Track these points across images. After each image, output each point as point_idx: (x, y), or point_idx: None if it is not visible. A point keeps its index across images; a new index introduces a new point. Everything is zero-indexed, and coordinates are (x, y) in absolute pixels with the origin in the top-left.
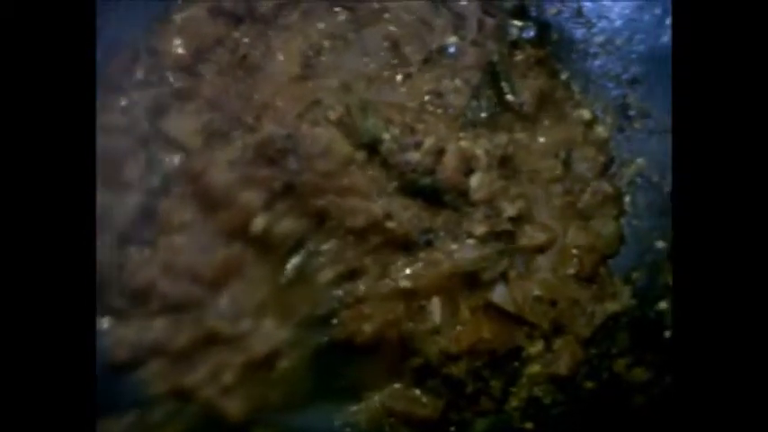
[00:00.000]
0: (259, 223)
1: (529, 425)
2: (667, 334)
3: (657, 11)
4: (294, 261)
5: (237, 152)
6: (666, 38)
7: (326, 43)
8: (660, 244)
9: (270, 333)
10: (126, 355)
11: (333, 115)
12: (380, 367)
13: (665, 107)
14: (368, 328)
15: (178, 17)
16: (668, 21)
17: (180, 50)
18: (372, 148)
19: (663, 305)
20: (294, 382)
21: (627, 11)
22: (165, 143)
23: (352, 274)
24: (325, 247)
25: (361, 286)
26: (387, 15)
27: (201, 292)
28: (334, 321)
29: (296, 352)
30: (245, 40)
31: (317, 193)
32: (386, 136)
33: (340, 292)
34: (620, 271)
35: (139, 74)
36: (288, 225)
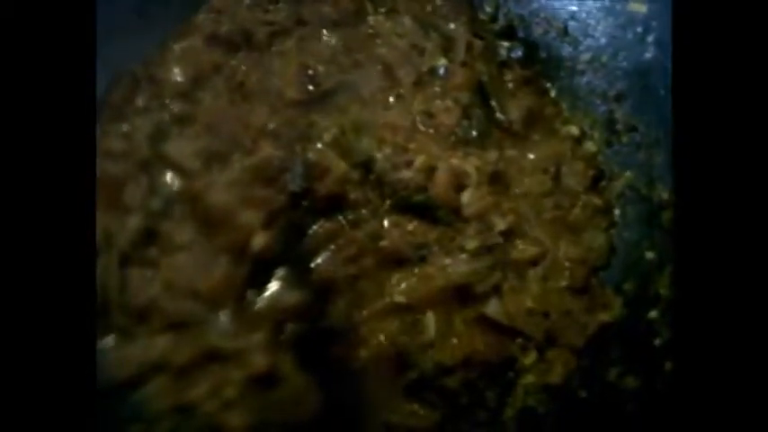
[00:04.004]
0: (259, 241)
1: None
2: (657, 342)
3: (639, 29)
4: None
5: (236, 173)
6: (648, 54)
7: (321, 68)
8: (650, 255)
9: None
10: (130, 372)
11: (327, 136)
12: (377, 382)
13: (650, 121)
14: (364, 352)
15: (177, 46)
16: (650, 38)
17: (179, 78)
18: (366, 167)
19: (653, 314)
20: (297, 400)
21: (610, 29)
22: (166, 166)
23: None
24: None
25: (360, 309)
26: (379, 41)
27: (202, 309)
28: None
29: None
30: (243, 67)
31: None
32: (378, 155)
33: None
34: (611, 282)
35: (140, 101)
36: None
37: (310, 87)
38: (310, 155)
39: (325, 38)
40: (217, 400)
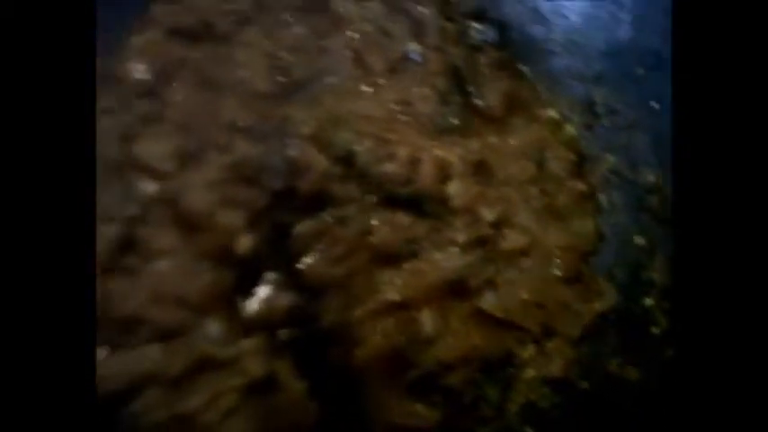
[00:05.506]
0: (244, 244)
1: (529, 429)
2: (655, 330)
3: (613, 8)
4: None
5: (213, 173)
6: (624, 33)
7: (290, 57)
8: (639, 240)
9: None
10: (121, 385)
11: (305, 130)
12: (378, 383)
13: (630, 102)
14: (361, 353)
15: (134, 41)
16: (624, 16)
17: (141, 74)
18: (347, 161)
19: (648, 301)
20: (297, 406)
21: (583, 8)
22: (138, 169)
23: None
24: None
25: (354, 309)
26: (346, 26)
27: (191, 317)
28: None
29: (294, 376)
30: (207, 60)
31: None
32: (359, 148)
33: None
34: (602, 269)
35: (104, 100)
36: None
37: (280, 78)
38: (290, 151)
39: (290, 25)
40: (216, 409)
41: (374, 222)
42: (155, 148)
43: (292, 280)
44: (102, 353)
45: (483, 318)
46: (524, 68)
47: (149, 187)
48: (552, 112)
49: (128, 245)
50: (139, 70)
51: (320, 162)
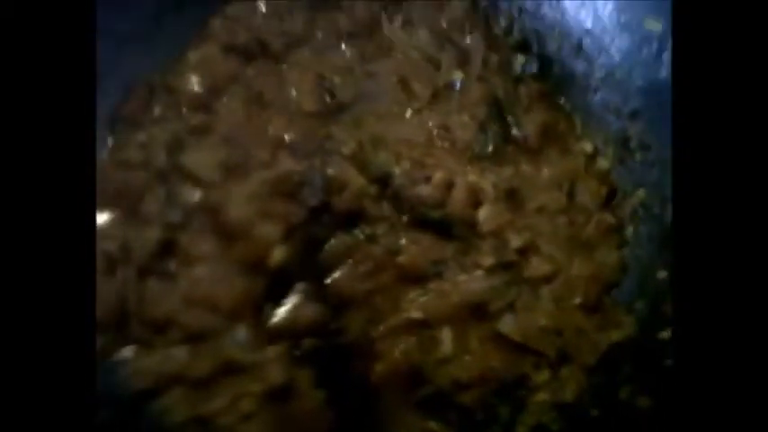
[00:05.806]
0: (278, 255)
1: None
2: (669, 362)
3: (655, 46)
4: None
5: (255, 186)
6: (664, 72)
7: (337, 79)
8: (662, 274)
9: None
10: (148, 383)
11: (346, 150)
12: (392, 398)
13: (664, 139)
14: (380, 367)
15: (192, 55)
16: (665, 55)
17: (196, 88)
18: (384, 182)
19: (665, 334)
20: (313, 415)
21: (625, 46)
22: (184, 178)
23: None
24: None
25: (377, 325)
26: (394, 52)
27: (220, 322)
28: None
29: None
30: (259, 77)
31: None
32: (396, 170)
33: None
34: (623, 300)
35: (157, 110)
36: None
37: (327, 99)
38: (329, 169)
39: (340, 49)
40: (235, 412)
41: (403, 242)
42: (201, 158)
43: (320, 293)
44: (133, 351)
45: (501, 340)
46: (563, 101)
47: (193, 195)
48: (586, 145)
49: (168, 249)
50: (193, 83)
51: (357, 181)
